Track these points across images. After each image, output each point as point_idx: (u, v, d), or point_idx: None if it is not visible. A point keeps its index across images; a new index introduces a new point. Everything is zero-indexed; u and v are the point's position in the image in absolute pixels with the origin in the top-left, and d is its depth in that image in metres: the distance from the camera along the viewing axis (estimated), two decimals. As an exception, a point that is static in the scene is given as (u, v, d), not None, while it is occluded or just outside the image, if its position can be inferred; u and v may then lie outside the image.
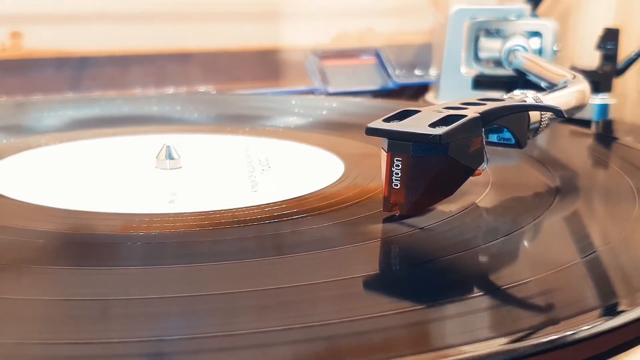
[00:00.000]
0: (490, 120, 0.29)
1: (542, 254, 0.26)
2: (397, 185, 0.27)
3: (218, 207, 0.30)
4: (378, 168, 0.28)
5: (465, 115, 0.28)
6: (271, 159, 0.38)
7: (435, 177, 0.27)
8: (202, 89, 0.63)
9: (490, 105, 0.29)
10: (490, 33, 0.56)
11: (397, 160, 0.27)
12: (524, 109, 0.31)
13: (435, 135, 0.26)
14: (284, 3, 0.68)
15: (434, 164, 0.27)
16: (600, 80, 0.53)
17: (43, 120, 0.49)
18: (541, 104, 0.33)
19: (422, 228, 0.27)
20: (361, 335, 0.19)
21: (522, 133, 0.31)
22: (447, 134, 0.27)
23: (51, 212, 0.29)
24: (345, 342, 0.19)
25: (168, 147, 0.36)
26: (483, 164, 0.29)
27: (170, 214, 0.29)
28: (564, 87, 0.38)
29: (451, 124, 0.27)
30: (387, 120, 0.28)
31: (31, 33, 0.59)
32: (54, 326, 0.20)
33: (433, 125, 0.27)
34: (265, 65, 0.67)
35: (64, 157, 0.39)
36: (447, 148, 0.27)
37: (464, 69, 0.57)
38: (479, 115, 0.28)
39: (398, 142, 0.27)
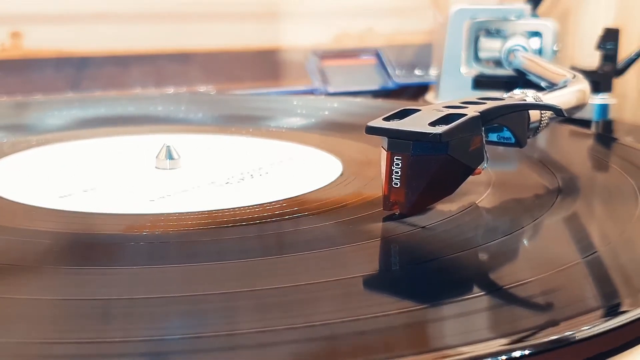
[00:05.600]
0: (490, 119, 0.29)
1: (543, 254, 0.26)
2: (397, 184, 0.27)
3: (218, 206, 0.30)
4: (378, 167, 0.28)
5: (465, 114, 0.28)
6: (271, 159, 0.38)
7: (435, 176, 0.27)
8: (202, 89, 0.63)
9: (490, 104, 0.29)
10: (490, 33, 0.56)
11: (397, 159, 0.27)
12: (524, 108, 0.31)
13: (435, 134, 0.26)
14: (284, 3, 0.68)
15: (434, 163, 0.27)
16: (600, 80, 0.53)
17: (43, 120, 0.49)
18: (541, 102, 0.33)
19: (422, 227, 0.27)
20: (361, 335, 0.19)
21: (522, 132, 0.31)
22: (447, 132, 0.26)
23: (51, 213, 0.29)
24: (345, 342, 0.19)
25: (168, 147, 0.36)
26: (483, 163, 0.29)
27: (171, 213, 0.29)
28: (564, 86, 0.38)
29: (451, 122, 0.27)
30: (387, 119, 0.28)
31: (31, 33, 0.59)
32: (54, 326, 0.20)
33: (433, 124, 0.27)
34: (265, 65, 0.67)
35: (64, 157, 0.39)
36: (447, 147, 0.27)
37: (464, 69, 0.57)
38: (479, 114, 0.28)
39: (398, 141, 0.27)
